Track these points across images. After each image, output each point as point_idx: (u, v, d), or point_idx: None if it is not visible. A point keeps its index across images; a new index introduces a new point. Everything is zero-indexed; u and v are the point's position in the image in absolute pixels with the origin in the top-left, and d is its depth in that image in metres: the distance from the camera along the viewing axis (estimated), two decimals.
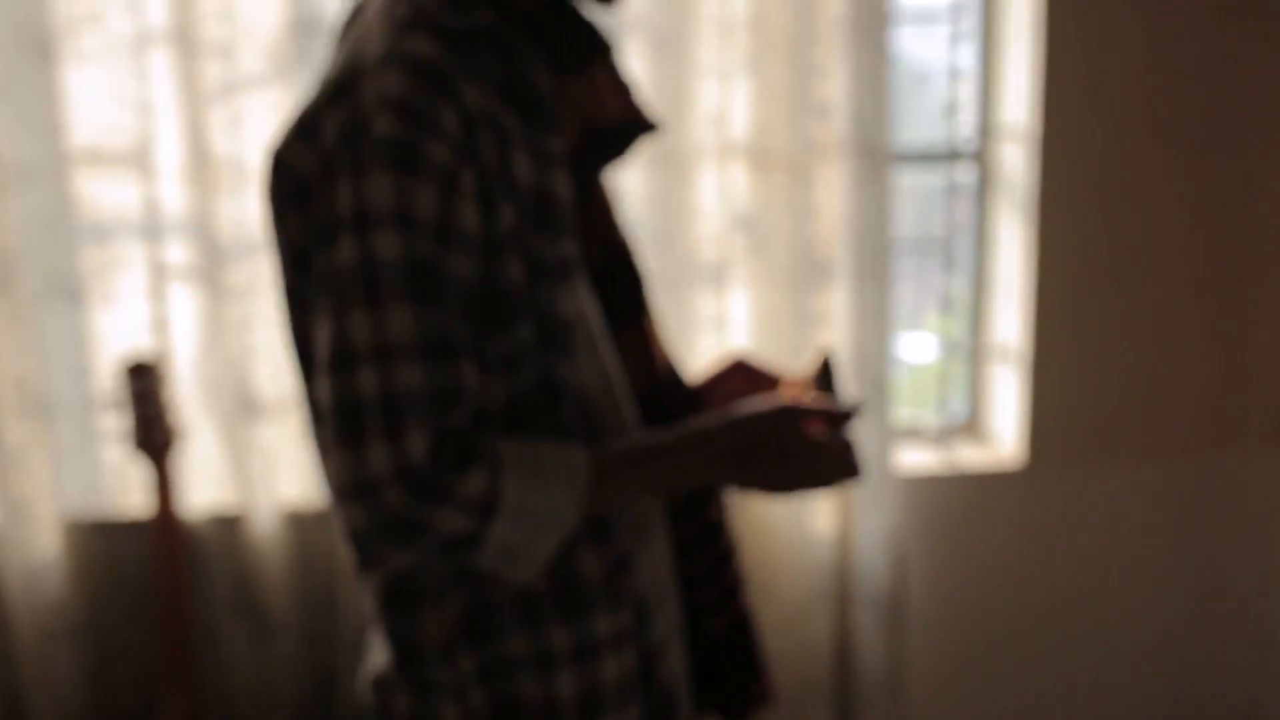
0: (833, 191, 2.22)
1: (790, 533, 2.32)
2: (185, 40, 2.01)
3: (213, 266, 2.08)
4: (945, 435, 2.56)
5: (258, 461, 2.14)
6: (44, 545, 2.11)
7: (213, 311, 2.10)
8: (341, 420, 0.99)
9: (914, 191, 2.49)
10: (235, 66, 2.04)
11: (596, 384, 1.13)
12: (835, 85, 2.19)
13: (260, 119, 2.06)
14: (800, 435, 1.12)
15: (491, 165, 1.05)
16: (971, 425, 2.62)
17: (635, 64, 2.15)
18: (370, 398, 0.99)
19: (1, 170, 2.00)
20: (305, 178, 1.03)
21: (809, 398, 1.19)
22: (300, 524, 2.20)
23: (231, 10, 2.02)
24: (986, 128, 2.48)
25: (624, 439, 1.14)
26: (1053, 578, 2.55)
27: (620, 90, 1.19)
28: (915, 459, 2.50)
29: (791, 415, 1.12)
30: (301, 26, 2.04)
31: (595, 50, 1.17)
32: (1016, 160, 2.42)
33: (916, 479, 2.46)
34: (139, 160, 2.07)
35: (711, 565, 1.28)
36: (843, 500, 2.35)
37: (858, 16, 2.16)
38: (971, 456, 2.52)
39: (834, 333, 2.27)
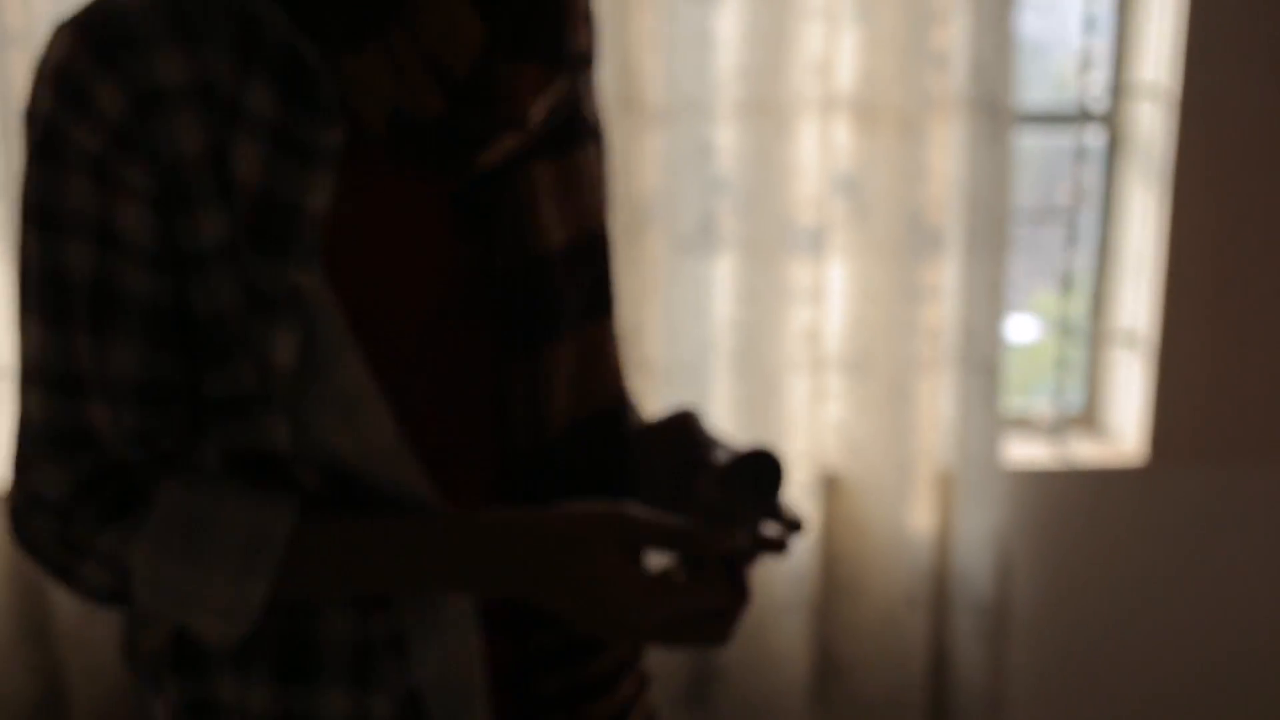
0: (946, 152, 2.00)
1: (884, 528, 2.11)
2: None
3: None
4: (1059, 427, 2.33)
5: None
6: None
7: None
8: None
9: (1035, 155, 2.26)
10: None
11: (355, 450, 0.85)
12: (954, 33, 1.97)
13: None
14: (603, 566, 0.81)
15: (189, 157, 0.82)
16: (1088, 416, 2.38)
17: (731, 5, 1.95)
18: (16, 418, 0.88)
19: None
20: None
21: (663, 517, 0.84)
22: None
23: None
24: (1119, 87, 2.24)
25: (383, 514, 0.86)
26: (1174, 586, 2.32)
27: (426, 77, 0.85)
28: (1025, 452, 2.27)
29: (602, 534, 0.82)
30: None
31: (380, 19, 0.84)
32: (1152, 123, 2.17)
33: (1025, 474, 2.24)
34: None
35: (570, 691, 0.96)
36: (943, 495, 2.13)
37: None
38: (1087, 451, 2.29)
39: (941, 308, 2.05)
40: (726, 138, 1.99)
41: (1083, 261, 2.31)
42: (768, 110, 1.97)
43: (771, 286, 2.02)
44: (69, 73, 0.81)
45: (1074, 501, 2.27)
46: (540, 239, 0.91)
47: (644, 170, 1.98)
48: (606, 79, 1.94)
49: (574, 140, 0.94)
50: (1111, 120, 2.25)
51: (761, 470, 0.91)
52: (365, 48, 0.83)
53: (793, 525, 0.90)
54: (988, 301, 2.04)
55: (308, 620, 0.89)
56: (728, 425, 2.09)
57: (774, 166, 1.99)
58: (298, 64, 0.83)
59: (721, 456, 0.95)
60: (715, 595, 0.83)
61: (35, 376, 0.86)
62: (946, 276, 2.04)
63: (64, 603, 2.00)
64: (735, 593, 0.84)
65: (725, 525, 0.85)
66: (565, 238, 0.92)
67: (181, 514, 0.85)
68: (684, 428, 1.00)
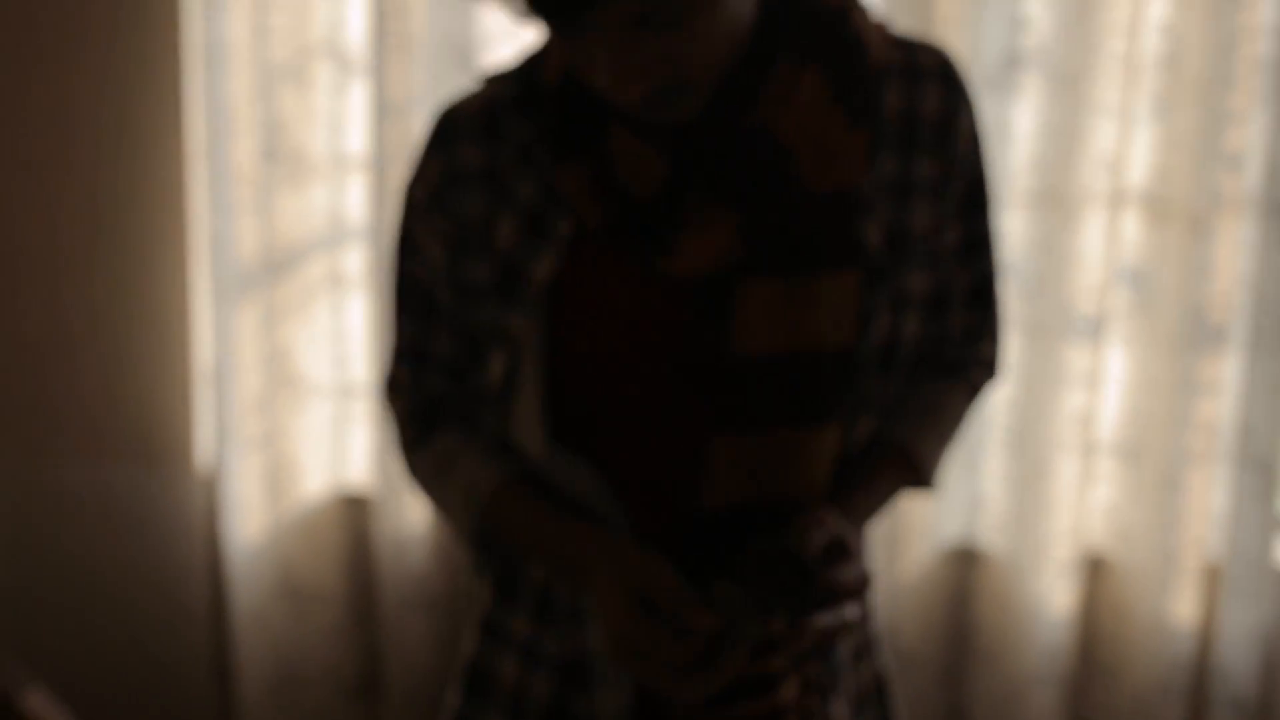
0: (1235, 249, 2.03)
1: (1147, 615, 2.14)
2: None
3: None
4: None
5: None
6: (414, 519, 2.28)
7: None
8: None
9: None
10: None
11: (527, 449, 1.15)
12: (1250, 134, 2.00)
13: None
14: (604, 597, 1.04)
15: (472, 218, 1.13)
16: None
17: (1029, 99, 2.06)
18: (389, 356, 1.28)
19: None
20: None
21: (671, 588, 1.01)
22: None
23: None
24: None
25: (534, 505, 1.16)
26: None
27: (650, 164, 1.06)
28: None
29: (617, 577, 1.04)
30: None
31: (584, 145, 1.07)
32: None
33: None
34: None
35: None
36: (1209, 588, 2.14)
37: None
38: None
39: (1220, 403, 2.07)
40: (1015, 224, 2.10)
41: None
42: (1057, 201, 2.06)
43: (1048, 369, 2.10)
44: (420, 147, 1.18)
45: None
46: (734, 345, 1.07)
47: None
48: None
49: (823, 266, 1.07)
50: None
51: (787, 570, 1.02)
52: (568, 164, 1.07)
53: (797, 627, 1.02)
54: (1269, 398, 2.05)
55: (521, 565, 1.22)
56: (999, 499, 2.18)
57: (1059, 254, 2.08)
58: (540, 164, 1.09)
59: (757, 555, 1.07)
60: (676, 652, 0.99)
61: (396, 343, 1.25)
62: (1227, 371, 2.07)
63: (389, 595, 2.31)
64: (703, 662, 1.00)
65: (707, 612, 1.00)
66: (769, 348, 1.07)
67: (443, 452, 1.22)
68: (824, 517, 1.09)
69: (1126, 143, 2.04)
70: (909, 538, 2.18)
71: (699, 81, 1.01)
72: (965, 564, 2.23)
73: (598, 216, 1.07)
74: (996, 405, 2.15)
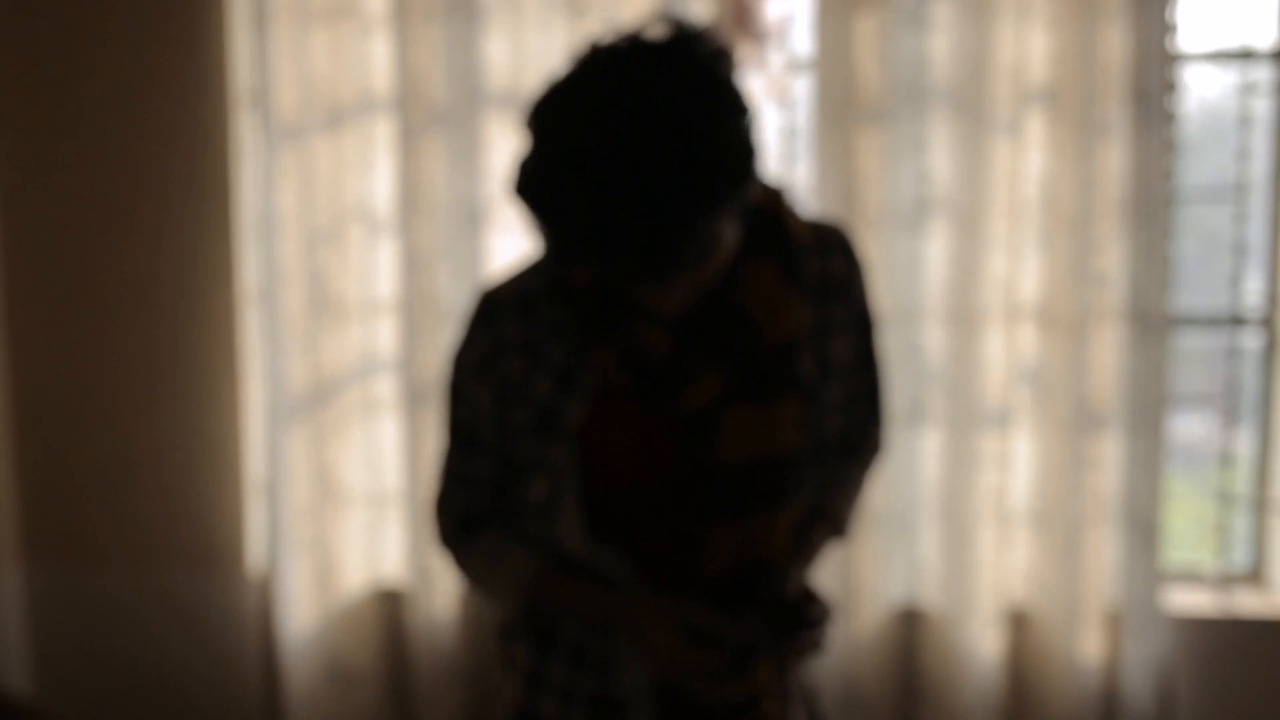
0: (1109, 350, 2.51)
1: (1060, 655, 2.57)
2: None
3: None
4: (1224, 582, 2.72)
5: None
6: (444, 608, 2.67)
7: None
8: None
9: (1198, 351, 2.72)
10: None
11: (570, 546, 1.51)
12: (1114, 258, 2.49)
13: None
14: (651, 636, 1.46)
15: (513, 377, 1.49)
16: (1255, 574, 2.77)
17: (937, 239, 2.54)
18: (438, 480, 1.62)
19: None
20: None
21: (702, 616, 1.45)
22: None
23: None
24: (1275, 295, 2.69)
25: (572, 581, 1.53)
26: None
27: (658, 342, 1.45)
28: (1190, 599, 2.68)
29: (656, 619, 1.46)
30: None
31: (605, 330, 1.45)
32: None
33: (1190, 620, 2.63)
34: None
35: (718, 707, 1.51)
36: (1112, 631, 2.57)
37: (1139, 198, 2.46)
38: (1251, 603, 2.67)
39: (1106, 476, 2.53)
40: (933, 338, 2.56)
41: (1244, 440, 2.73)
42: (964, 318, 2.54)
43: (965, 455, 2.55)
44: (467, 322, 1.53)
45: (1238, 649, 2.64)
46: (720, 454, 1.46)
47: None
48: None
49: (778, 395, 1.46)
50: (1270, 323, 2.70)
51: (781, 609, 1.48)
52: (597, 343, 1.46)
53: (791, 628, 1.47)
54: (1145, 470, 2.51)
55: (556, 620, 1.58)
56: (935, 565, 2.61)
57: (968, 360, 2.54)
58: (569, 337, 1.48)
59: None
60: (716, 663, 1.43)
61: (446, 469, 1.60)
62: (1110, 450, 2.53)
63: (423, 675, 2.68)
64: (735, 671, 1.44)
65: (742, 624, 1.46)
66: (743, 456, 1.47)
67: (488, 549, 1.57)
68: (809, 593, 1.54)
69: (1017, 269, 2.53)
70: (861, 601, 2.60)
71: (717, 276, 1.39)
72: (909, 621, 2.65)
73: (624, 379, 1.45)
74: (928, 486, 2.59)
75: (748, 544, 1.50)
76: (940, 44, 2.51)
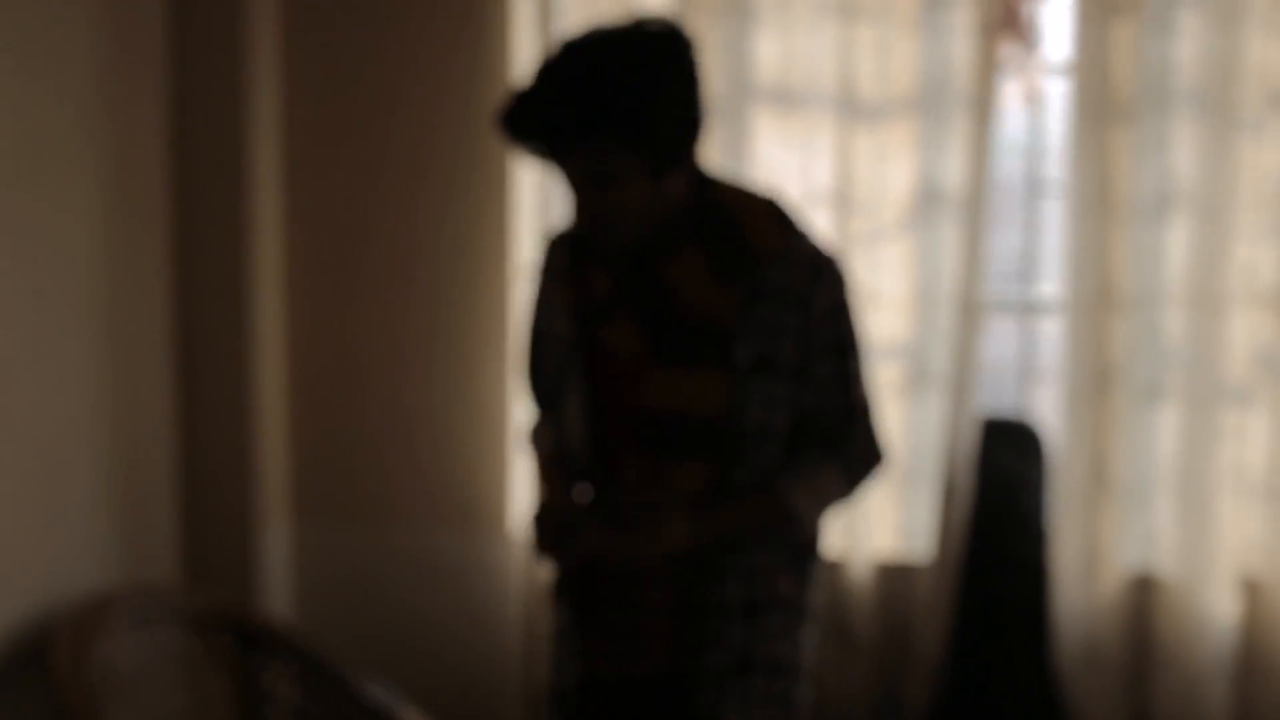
0: None
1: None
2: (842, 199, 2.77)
3: None
4: None
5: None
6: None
7: None
8: None
9: None
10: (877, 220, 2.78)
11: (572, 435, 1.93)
12: None
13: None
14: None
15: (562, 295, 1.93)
16: None
17: (1177, 229, 2.72)
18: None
19: None
20: None
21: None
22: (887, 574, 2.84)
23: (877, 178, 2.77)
24: None
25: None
26: None
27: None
28: None
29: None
30: (926, 194, 2.76)
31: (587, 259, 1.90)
32: None
33: None
34: None
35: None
36: None
37: None
38: None
39: None
40: (1175, 323, 2.73)
41: None
42: (1206, 302, 2.71)
43: (1207, 429, 2.72)
44: (544, 248, 1.99)
45: None
46: (645, 400, 1.85)
47: (1110, 348, 2.75)
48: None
49: (695, 363, 1.81)
50: None
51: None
52: (567, 280, 1.93)
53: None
54: None
55: None
56: (1170, 533, 2.77)
57: (1210, 342, 2.71)
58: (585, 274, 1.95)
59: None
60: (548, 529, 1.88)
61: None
62: None
63: None
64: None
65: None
66: (661, 406, 1.84)
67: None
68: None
69: (1260, 258, 2.71)
70: (1100, 568, 2.77)
71: (631, 227, 1.76)
72: (1145, 588, 2.82)
73: (571, 315, 1.89)
74: (1165, 459, 2.76)
75: (656, 473, 1.85)
76: (1186, 49, 2.70)
